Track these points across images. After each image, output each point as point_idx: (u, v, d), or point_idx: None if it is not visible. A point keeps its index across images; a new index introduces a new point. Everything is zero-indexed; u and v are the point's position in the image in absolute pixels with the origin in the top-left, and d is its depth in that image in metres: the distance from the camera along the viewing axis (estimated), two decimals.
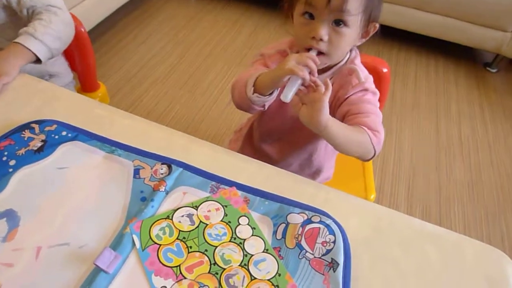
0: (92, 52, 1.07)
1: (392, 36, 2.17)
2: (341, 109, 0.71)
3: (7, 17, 0.88)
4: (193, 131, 1.58)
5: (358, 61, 0.72)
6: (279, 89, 0.67)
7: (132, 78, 1.82)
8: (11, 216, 0.56)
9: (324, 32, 0.62)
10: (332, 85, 0.72)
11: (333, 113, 0.74)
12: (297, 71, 0.58)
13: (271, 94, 0.67)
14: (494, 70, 2.10)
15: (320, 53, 0.65)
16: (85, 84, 1.13)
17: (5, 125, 0.68)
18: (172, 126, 1.56)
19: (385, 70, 0.88)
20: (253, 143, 0.88)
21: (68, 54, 1.06)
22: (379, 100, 0.91)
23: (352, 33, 0.65)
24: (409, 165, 1.55)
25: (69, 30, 0.85)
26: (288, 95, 0.59)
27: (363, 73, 0.71)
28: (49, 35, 0.80)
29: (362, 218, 0.60)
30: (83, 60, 1.08)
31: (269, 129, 0.83)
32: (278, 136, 0.83)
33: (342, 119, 0.70)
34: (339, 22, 0.63)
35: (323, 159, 0.84)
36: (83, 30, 1.01)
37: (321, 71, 0.72)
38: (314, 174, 0.88)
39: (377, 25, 0.69)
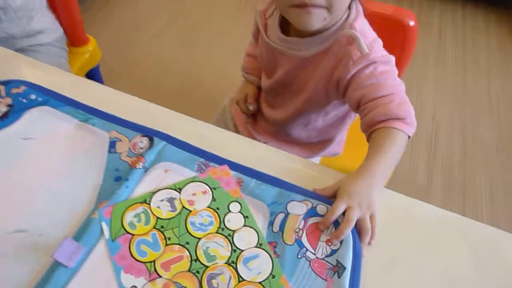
0: (75, 1, 0.94)
1: None
2: (351, 94, 0.54)
3: None
4: (194, 89, 1.42)
5: (359, 23, 0.54)
6: None
7: (126, 37, 1.62)
8: None
9: None
10: (327, 55, 0.56)
11: (335, 93, 0.59)
12: None
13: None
14: None
15: (319, 7, 0.49)
16: (73, 38, 1.01)
17: None
18: (171, 85, 1.44)
19: (412, 23, 0.70)
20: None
21: (54, 7, 0.94)
22: (403, 60, 0.74)
23: None
24: (431, 125, 1.37)
25: None
26: None
27: (367, 38, 0.53)
28: None
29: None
30: (66, 9, 0.94)
31: (264, 87, 0.71)
32: (270, 99, 0.70)
33: (357, 106, 0.54)
34: None
35: (322, 129, 0.70)
36: None
37: (312, 33, 0.55)
38: (314, 147, 0.73)
39: None
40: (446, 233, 0.46)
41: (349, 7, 0.54)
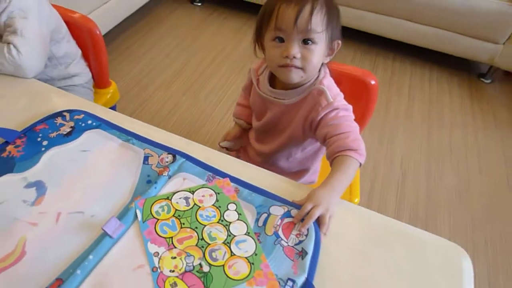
0: (105, 52, 1.12)
1: (387, 47, 2.15)
2: (319, 131, 0.72)
3: None
4: (194, 135, 1.60)
5: (326, 80, 0.73)
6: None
7: (139, 83, 1.83)
8: (40, 186, 0.62)
9: (296, 50, 0.67)
10: (303, 103, 0.75)
11: (308, 131, 0.77)
12: None
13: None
14: (488, 81, 2.05)
15: (297, 68, 0.69)
16: (99, 81, 1.18)
17: (38, 114, 0.75)
18: (174, 129, 1.65)
19: (372, 82, 0.88)
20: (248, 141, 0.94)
21: (85, 55, 1.13)
22: (367, 110, 0.93)
23: (320, 49, 0.68)
24: (399, 172, 1.54)
25: (10, 68, 0.85)
26: None
27: (332, 92, 0.72)
28: None
29: (336, 215, 0.62)
30: (97, 59, 1.13)
31: (254, 126, 0.88)
32: (260, 136, 0.88)
33: (323, 140, 0.73)
34: (307, 41, 0.67)
35: (301, 161, 0.87)
36: (98, 32, 1.07)
37: (293, 86, 0.75)
38: (295, 176, 0.89)
39: (340, 42, 0.72)
40: (388, 232, 0.61)
41: (319, 70, 0.75)
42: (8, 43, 0.86)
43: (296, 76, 0.70)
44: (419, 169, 1.56)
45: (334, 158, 0.68)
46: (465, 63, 2.13)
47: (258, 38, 0.73)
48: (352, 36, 2.11)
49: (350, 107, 0.73)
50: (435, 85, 2.00)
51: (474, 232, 1.36)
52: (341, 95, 0.74)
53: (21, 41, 0.87)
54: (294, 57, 0.67)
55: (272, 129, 0.83)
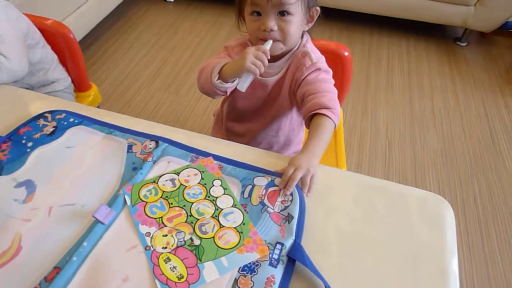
0: (81, 54, 1.13)
1: (362, 21, 2.17)
2: (300, 90, 0.76)
3: None
4: (177, 126, 1.61)
5: (309, 44, 0.76)
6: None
7: (120, 85, 1.83)
8: (29, 185, 0.64)
9: (272, 23, 0.68)
10: (289, 68, 0.78)
11: (293, 94, 0.79)
12: (253, 71, 0.66)
13: (232, 82, 0.72)
14: (464, 44, 2.09)
15: (276, 40, 0.71)
16: (79, 85, 1.19)
17: (21, 118, 0.76)
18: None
19: (346, 53, 0.91)
20: (224, 124, 0.93)
21: (63, 61, 1.14)
22: (344, 82, 0.96)
23: (297, 20, 0.70)
24: (385, 141, 1.57)
25: (3, 77, 0.88)
26: (244, 86, 0.68)
27: (315, 54, 0.75)
28: None
29: (317, 178, 0.64)
30: (74, 63, 1.13)
31: (240, 109, 0.88)
32: (247, 116, 0.88)
33: (302, 99, 0.75)
34: (283, 13, 0.69)
35: (288, 134, 0.89)
36: (72, 36, 1.08)
37: (279, 57, 0.77)
38: (281, 150, 0.92)
39: (318, 9, 0.74)
40: (369, 190, 0.64)
41: (302, 36, 0.76)
42: None
43: (276, 49, 0.72)
44: (404, 136, 1.59)
45: (311, 118, 0.71)
46: (440, 29, 2.15)
47: (240, 13, 0.75)
48: (326, 15, 2.09)
49: (331, 71, 0.76)
50: (413, 54, 2.03)
51: (462, 189, 1.39)
52: (323, 58, 0.77)
53: (4, 47, 0.87)
54: (272, 30, 0.69)
55: (261, 106, 0.84)
